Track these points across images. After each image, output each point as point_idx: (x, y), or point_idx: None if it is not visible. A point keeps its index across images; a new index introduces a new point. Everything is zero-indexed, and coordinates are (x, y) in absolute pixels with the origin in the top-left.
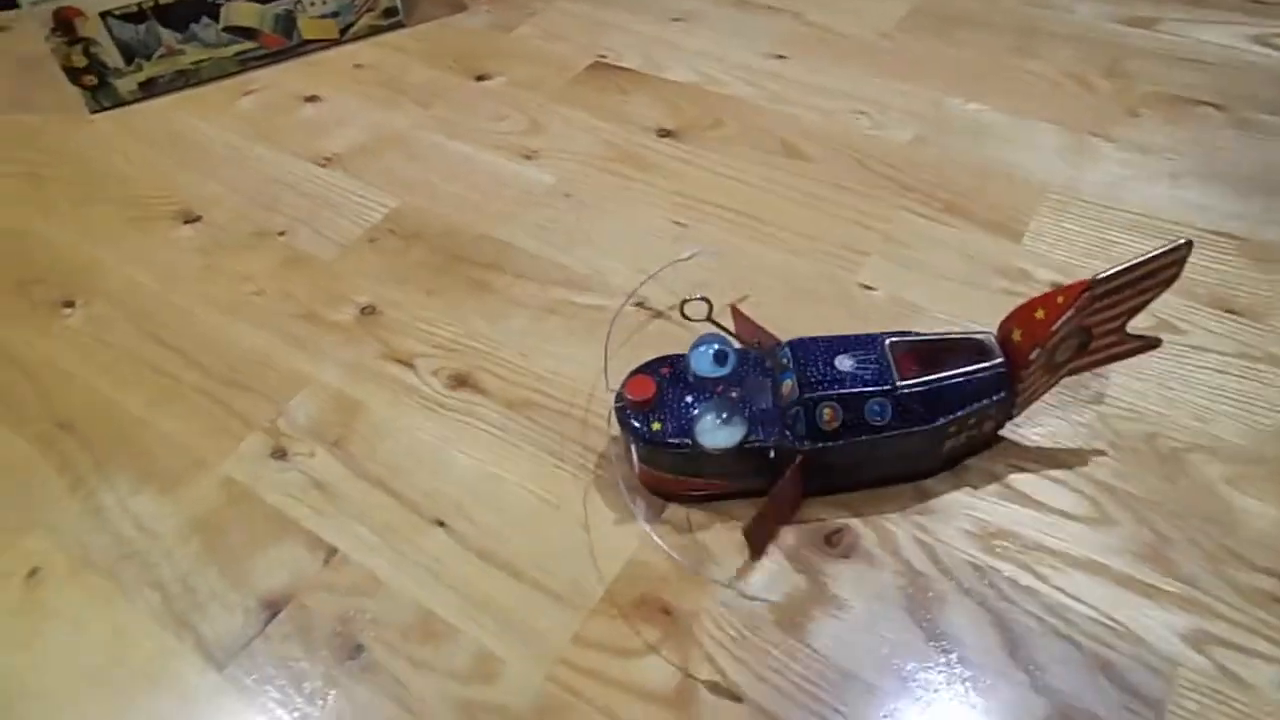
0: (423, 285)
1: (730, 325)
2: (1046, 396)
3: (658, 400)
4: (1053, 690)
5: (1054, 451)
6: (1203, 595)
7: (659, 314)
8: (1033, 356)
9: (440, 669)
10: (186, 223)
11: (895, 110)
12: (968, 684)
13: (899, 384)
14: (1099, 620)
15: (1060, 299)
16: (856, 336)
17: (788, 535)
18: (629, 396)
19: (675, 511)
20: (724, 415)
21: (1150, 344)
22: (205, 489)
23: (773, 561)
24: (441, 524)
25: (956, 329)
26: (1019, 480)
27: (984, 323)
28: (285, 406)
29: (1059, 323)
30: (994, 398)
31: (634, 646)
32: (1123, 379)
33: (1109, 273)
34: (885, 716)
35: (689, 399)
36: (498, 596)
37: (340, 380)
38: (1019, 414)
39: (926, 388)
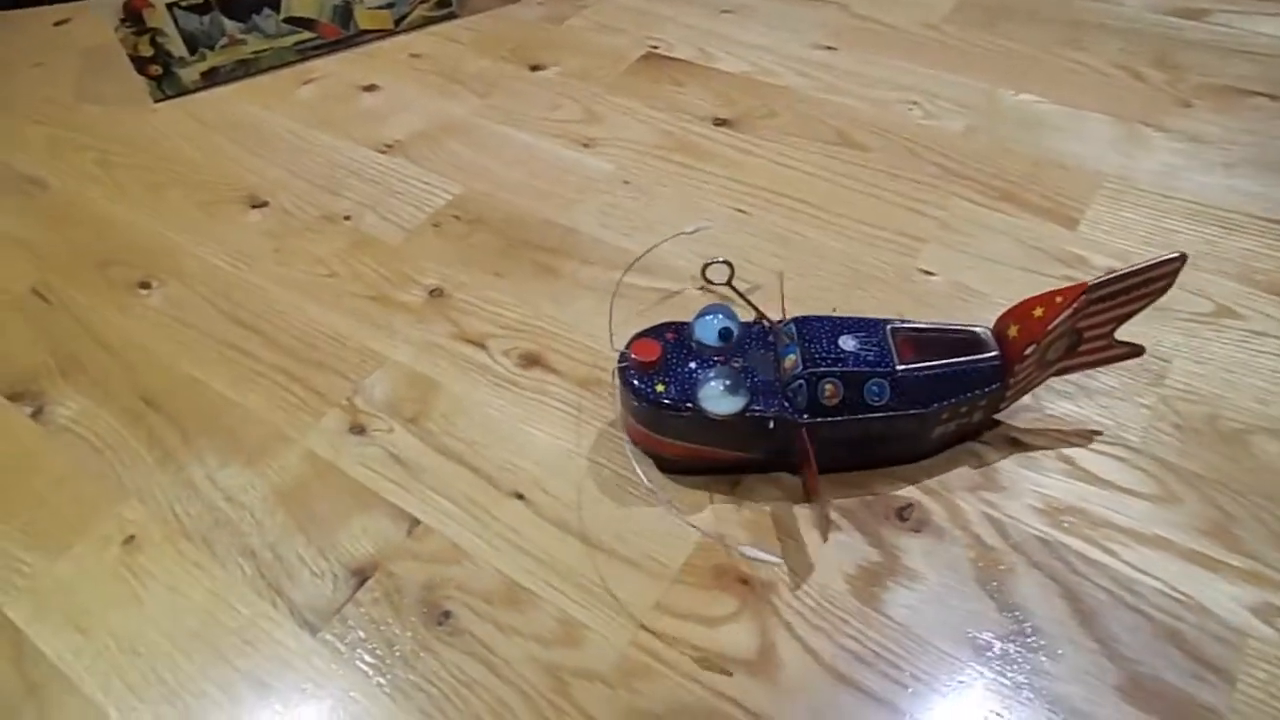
0: (489, 268)
1: (748, 294)
2: (1108, 378)
3: (662, 363)
4: (1125, 659)
5: (1118, 432)
6: (1268, 570)
7: (725, 298)
8: (1027, 352)
9: (526, 633)
10: (254, 207)
11: (946, 101)
12: (1040, 652)
13: (899, 367)
14: (1167, 593)
15: (1059, 299)
16: (860, 319)
17: (857, 508)
18: (634, 357)
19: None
20: (728, 383)
21: (1134, 352)
22: (289, 463)
23: (845, 534)
24: (520, 496)
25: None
26: (1083, 458)
27: None
28: (361, 384)
29: (1055, 322)
30: (987, 389)
31: (714, 614)
32: (1183, 362)
33: (1104, 278)
34: (961, 683)
35: (693, 365)
36: (577, 566)
37: (413, 359)
38: (1007, 406)
39: (924, 373)
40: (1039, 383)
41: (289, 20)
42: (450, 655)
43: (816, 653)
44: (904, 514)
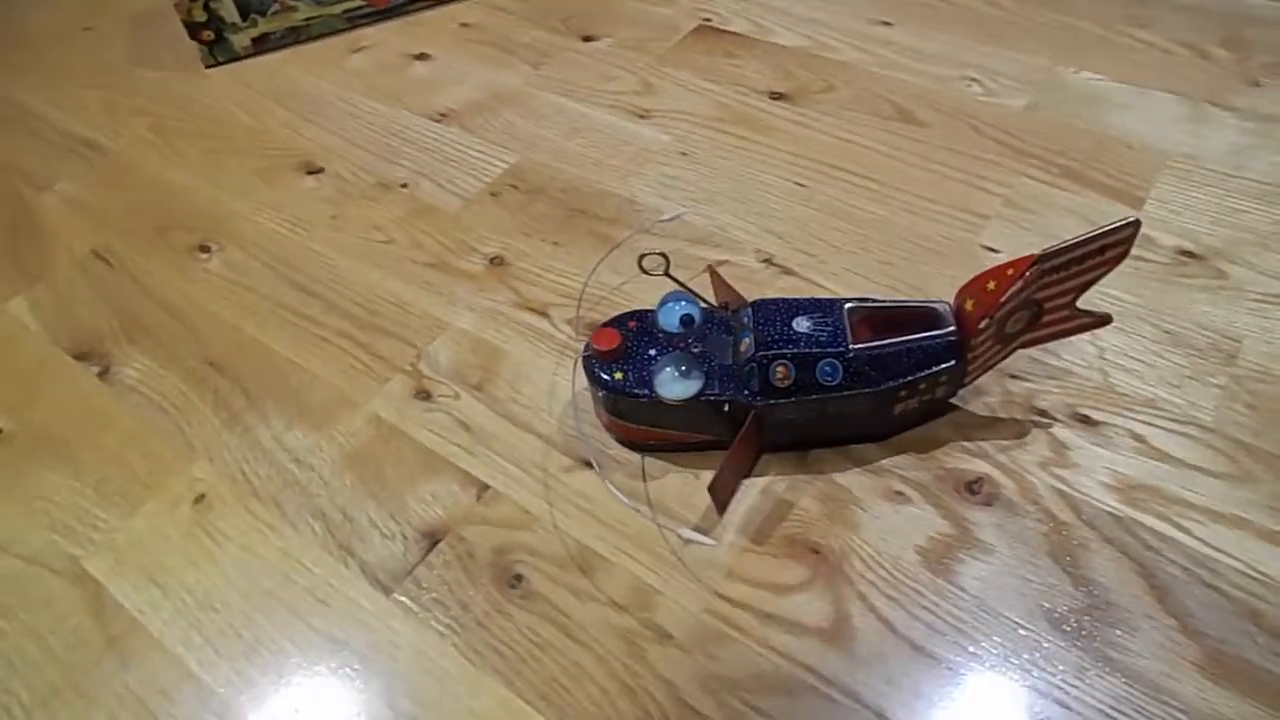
0: (548, 237)
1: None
2: (1177, 356)
3: (622, 351)
4: (1202, 635)
5: (1189, 411)
6: None
7: (787, 270)
8: (981, 326)
9: (600, 598)
10: (310, 174)
11: (1006, 77)
12: (1116, 627)
13: (851, 347)
14: (1246, 572)
15: (1010, 271)
16: (817, 300)
17: (928, 481)
18: (595, 347)
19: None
20: (682, 368)
21: (1100, 320)
22: (355, 426)
23: (916, 507)
24: (588, 464)
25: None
26: (1155, 436)
27: (1110, 289)
28: (425, 350)
29: (1007, 294)
30: (944, 365)
31: (787, 582)
32: (1255, 343)
33: (1055, 247)
34: (1038, 655)
35: (653, 352)
36: (646, 533)
37: (475, 326)
38: (970, 382)
39: (877, 352)
40: (1004, 356)
41: None
42: (524, 618)
43: (891, 623)
44: (974, 487)
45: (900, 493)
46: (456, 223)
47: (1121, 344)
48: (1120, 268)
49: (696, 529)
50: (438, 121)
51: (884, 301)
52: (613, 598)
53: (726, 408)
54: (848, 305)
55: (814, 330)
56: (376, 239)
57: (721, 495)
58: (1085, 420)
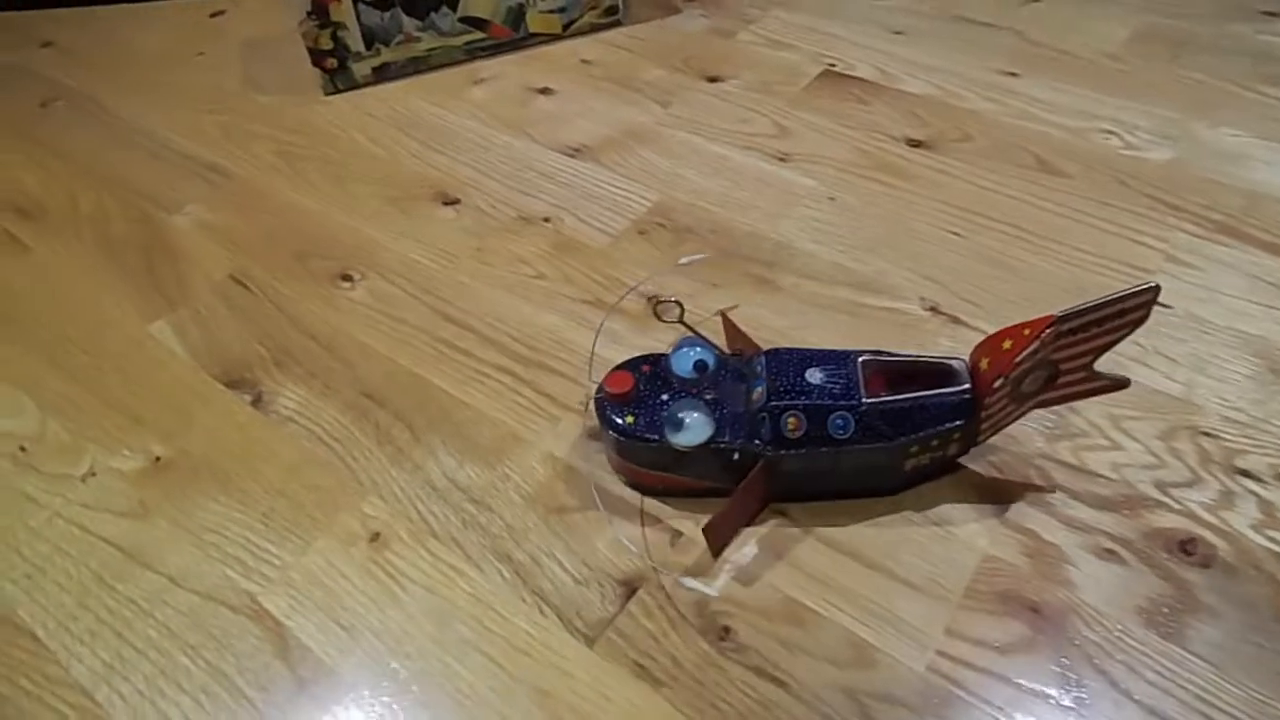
0: (705, 278)
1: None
2: None
3: (635, 395)
4: None
5: None
6: None
7: (955, 319)
8: (996, 385)
9: (816, 654)
10: (446, 204)
11: (1144, 131)
12: None
13: (864, 400)
14: None
15: (1027, 331)
16: (831, 351)
17: (1137, 540)
18: (607, 389)
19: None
20: (694, 415)
21: (1118, 384)
22: (529, 466)
23: (1130, 566)
24: (783, 513)
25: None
26: None
27: None
28: (593, 389)
29: (1022, 354)
30: (956, 422)
31: (1008, 642)
32: None
33: (1074, 309)
34: None
35: (664, 397)
36: (853, 585)
37: None
38: (984, 440)
39: (890, 406)
40: (1019, 415)
41: (464, 19)
42: (739, 673)
43: (1124, 688)
44: (1188, 548)
45: (1111, 551)
46: (606, 259)
47: None
48: None
49: (699, 579)
50: (571, 156)
51: (899, 356)
52: (830, 654)
53: (736, 456)
54: (862, 358)
55: (827, 382)
56: (525, 273)
57: (717, 539)
58: None
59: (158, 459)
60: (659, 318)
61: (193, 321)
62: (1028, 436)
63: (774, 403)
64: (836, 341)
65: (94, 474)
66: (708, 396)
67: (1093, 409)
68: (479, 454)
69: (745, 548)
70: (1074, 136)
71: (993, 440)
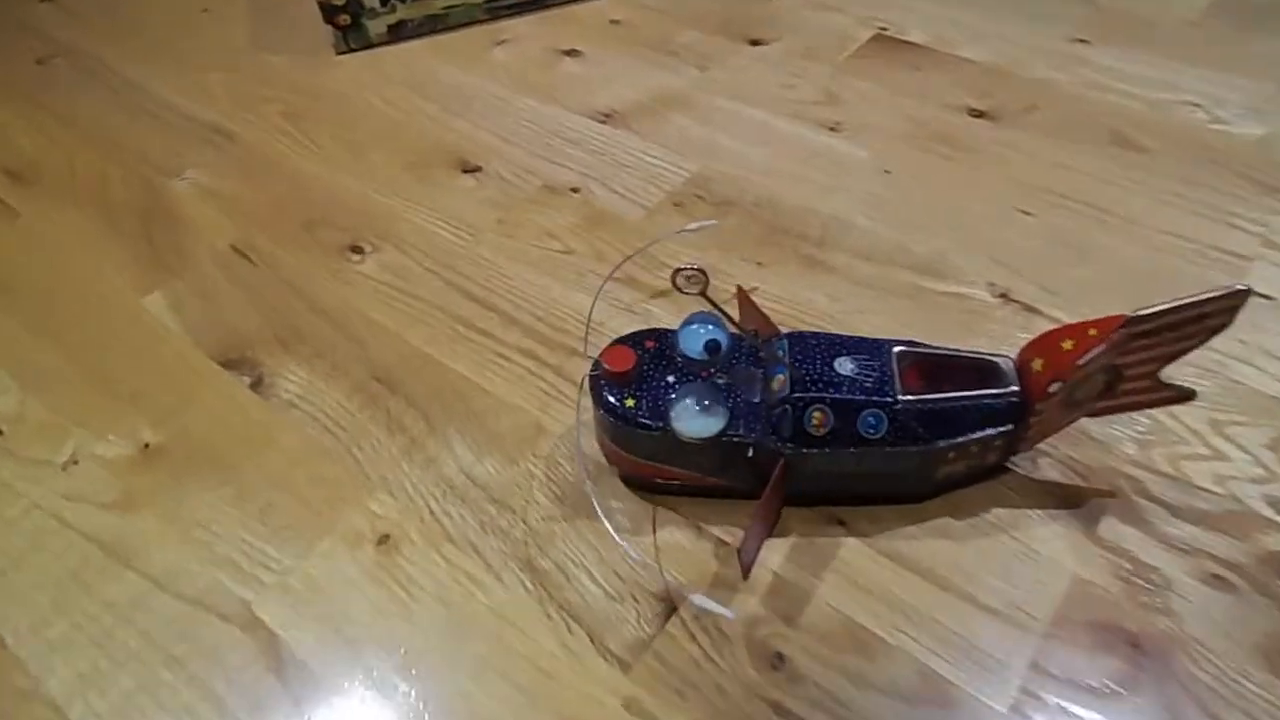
0: (750, 256)
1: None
2: None
3: (636, 375)
4: None
5: None
6: None
7: (1030, 308)
8: (1051, 390)
9: (884, 688)
10: (466, 172)
11: (1233, 104)
12: None
13: (900, 397)
14: None
15: (1092, 332)
16: (861, 339)
17: (1249, 565)
18: (606, 366)
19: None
20: (705, 402)
21: (1183, 395)
22: (556, 461)
23: (1243, 596)
24: (841, 523)
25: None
26: None
27: None
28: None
29: (1086, 358)
30: (1001, 428)
31: (1105, 682)
32: None
33: (1151, 310)
34: None
35: (670, 379)
36: (922, 607)
37: None
38: (1028, 449)
39: (930, 406)
40: (1066, 424)
41: None
42: (797, 707)
43: None
44: None
45: (1220, 577)
46: (640, 233)
47: None
48: None
49: (710, 595)
50: (601, 123)
51: (938, 348)
52: (900, 688)
53: (750, 452)
54: (897, 349)
55: (859, 374)
56: (553, 247)
57: (748, 557)
58: None
59: (146, 446)
60: (678, 289)
61: (191, 295)
62: (1115, 440)
63: (798, 394)
64: (896, 330)
65: (76, 461)
66: (719, 382)
67: (1190, 413)
68: (500, 447)
69: (793, 559)
70: (1154, 110)
71: (1075, 444)
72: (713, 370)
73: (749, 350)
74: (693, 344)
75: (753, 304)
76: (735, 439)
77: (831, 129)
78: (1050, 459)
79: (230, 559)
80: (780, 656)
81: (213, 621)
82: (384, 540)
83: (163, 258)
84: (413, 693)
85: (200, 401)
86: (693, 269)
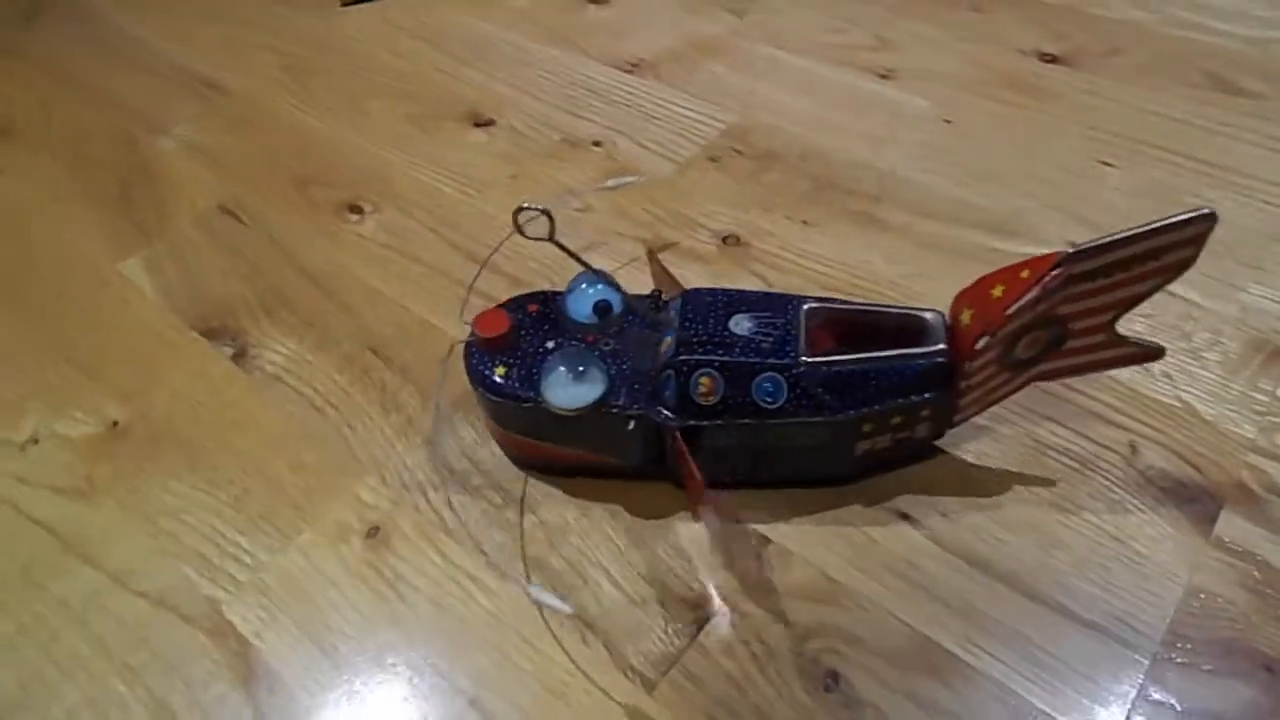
0: (795, 214)
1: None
2: None
3: (511, 341)
4: None
5: None
6: None
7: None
8: (979, 346)
9: (960, 716)
10: (477, 125)
11: None
12: None
13: (802, 359)
14: None
15: (1025, 274)
16: (768, 294)
17: None
18: (476, 332)
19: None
20: (580, 369)
21: (1150, 353)
22: None
23: None
24: (906, 517)
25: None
26: None
27: None
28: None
29: (1015, 305)
30: (924, 395)
31: (1232, 713)
32: None
33: (1092, 244)
34: None
35: (550, 344)
36: (1007, 619)
37: None
38: (963, 420)
39: (835, 369)
40: (1012, 390)
41: None
42: None
43: None
44: None
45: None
46: (670, 190)
47: None
48: None
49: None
50: (629, 72)
51: (855, 304)
52: (978, 716)
53: (632, 424)
54: (807, 305)
55: (756, 334)
56: (571, 206)
57: (709, 517)
58: None
59: (115, 424)
60: (520, 232)
61: (170, 258)
62: (1229, 422)
63: (682, 357)
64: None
65: (36, 441)
66: (606, 347)
67: None
68: None
69: (851, 560)
70: (1256, 49)
71: (1181, 425)
72: (601, 335)
73: (645, 313)
74: (580, 306)
75: (661, 265)
76: (614, 410)
77: (884, 76)
78: (1152, 443)
79: (199, 552)
80: (835, 676)
81: (174, 624)
82: (373, 532)
83: (141, 218)
84: (407, 710)
85: (174, 375)
86: (536, 209)
